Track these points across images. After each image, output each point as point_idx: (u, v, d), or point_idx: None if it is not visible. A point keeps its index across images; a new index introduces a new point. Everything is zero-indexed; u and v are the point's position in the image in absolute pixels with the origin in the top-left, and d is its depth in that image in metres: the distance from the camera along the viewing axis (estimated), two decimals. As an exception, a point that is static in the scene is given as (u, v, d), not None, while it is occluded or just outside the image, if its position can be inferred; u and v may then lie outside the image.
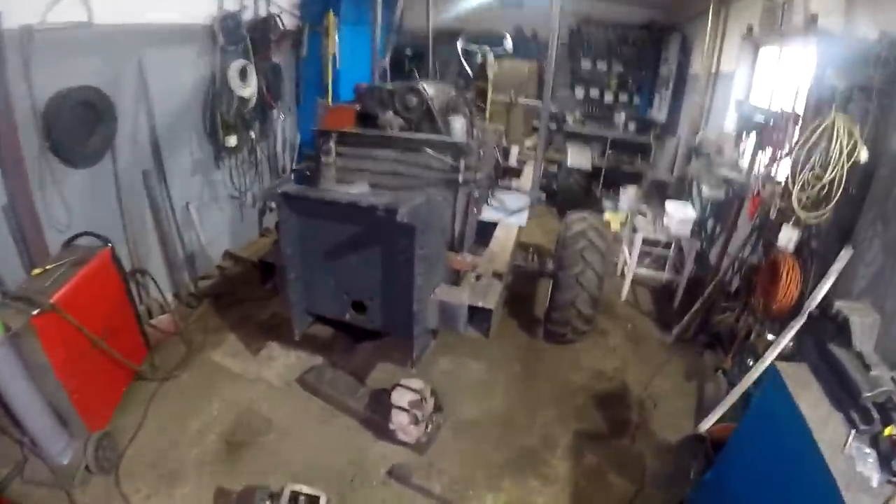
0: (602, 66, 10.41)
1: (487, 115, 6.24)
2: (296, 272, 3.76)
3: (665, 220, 5.96)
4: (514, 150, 6.31)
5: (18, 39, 3.60)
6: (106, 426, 3.79)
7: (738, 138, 5.47)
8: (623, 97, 10.52)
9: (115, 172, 4.74)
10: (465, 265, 3.92)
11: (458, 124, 3.87)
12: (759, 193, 4.72)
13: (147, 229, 5.38)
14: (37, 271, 3.58)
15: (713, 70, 7.29)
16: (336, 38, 7.17)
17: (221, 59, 5.82)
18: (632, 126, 10.20)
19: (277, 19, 6.45)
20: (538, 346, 5.33)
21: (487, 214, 4.46)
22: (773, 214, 4.47)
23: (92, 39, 4.18)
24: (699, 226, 6.23)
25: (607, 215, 8.52)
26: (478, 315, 3.60)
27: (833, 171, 3.49)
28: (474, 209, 3.96)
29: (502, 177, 5.86)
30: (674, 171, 8.28)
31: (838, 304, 3.11)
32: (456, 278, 3.93)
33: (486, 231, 4.52)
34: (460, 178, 3.64)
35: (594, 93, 10.61)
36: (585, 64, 10.45)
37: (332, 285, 3.75)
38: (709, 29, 7.19)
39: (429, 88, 4.04)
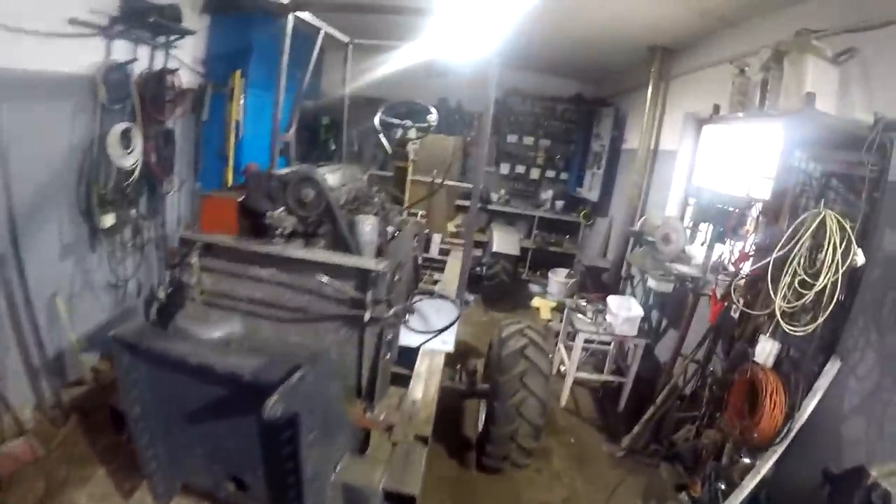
0: (528, 140, 10.20)
1: (406, 199, 5.61)
2: (150, 435, 2.66)
3: (608, 317, 5.49)
4: (437, 239, 5.71)
5: None
6: None
7: (694, 227, 5.12)
8: (550, 173, 10.32)
9: None
10: (376, 425, 2.97)
11: (368, 227, 3.16)
12: (721, 298, 4.32)
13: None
14: None
15: (651, 147, 7.07)
16: (241, 101, 6.41)
17: (103, 119, 4.92)
18: (559, 204, 9.97)
19: (174, 75, 5.62)
20: (470, 478, 4.54)
21: (406, 339, 3.65)
22: (735, 313, 4.14)
23: None
24: (644, 320, 5.80)
25: (536, 301, 8.06)
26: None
27: (825, 277, 3.12)
28: (387, 353, 3.01)
29: (422, 273, 5.17)
30: (606, 253, 8.00)
31: (876, 474, 2.58)
32: (365, 442, 3.04)
33: (405, 355, 3.68)
34: (366, 316, 2.68)
35: (520, 169, 10.32)
36: (511, 138, 10.21)
37: (200, 455, 2.68)
38: (648, 104, 6.99)
39: (331, 177, 3.33)
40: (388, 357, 2.96)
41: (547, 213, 9.84)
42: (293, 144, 5.61)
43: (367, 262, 2.76)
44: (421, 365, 3.54)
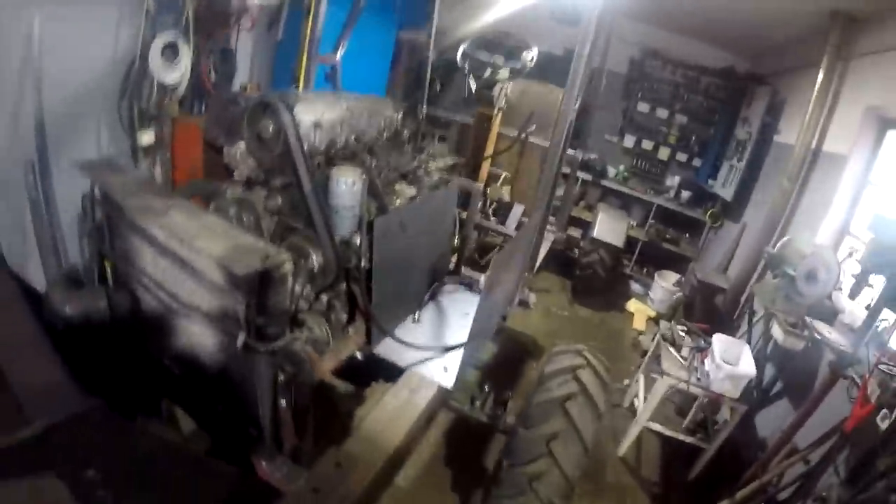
0: (662, 113, 8.62)
1: (490, 153, 4.62)
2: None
3: (707, 363, 4.20)
4: (518, 211, 4.67)
5: None
6: None
7: (862, 277, 3.66)
8: (682, 156, 8.68)
9: None
10: (283, 484, 1.96)
11: (343, 185, 2.30)
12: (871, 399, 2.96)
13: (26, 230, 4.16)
14: None
15: (813, 146, 5.37)
16: (322, 19, 5.67)
17: (151, 31, 4.46)
18: (686, 194, 8.39)
19: (237, -12, 5.00)
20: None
21: (383, 350, 2.70)
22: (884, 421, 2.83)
23: None
24: (754, 381, 4.37)
25: (633, 304, 6.78)
26: None
27: None
28: (288, 397, 2.00)
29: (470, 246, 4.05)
30: (728, 268, 6.51)
31: None
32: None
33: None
34: (239, 339, 1.72)
35: (647, 144, 8.77)
36: (642, 107, 8.68)
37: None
38: (816, 89, 5.25)
39: (314, 107, 2.44)
40: (303, 392, 2.06)
41: (669, 203, 8.31)
42: (339, 70, 4.89)
43: (236, 256, 1.67)
44: (393, 397, 2.45)
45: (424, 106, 5.51)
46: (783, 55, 6.95)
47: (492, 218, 4.55)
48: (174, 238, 1.82)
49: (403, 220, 2.54)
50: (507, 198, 4.76)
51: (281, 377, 1.88)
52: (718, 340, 4.26)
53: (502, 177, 4.85)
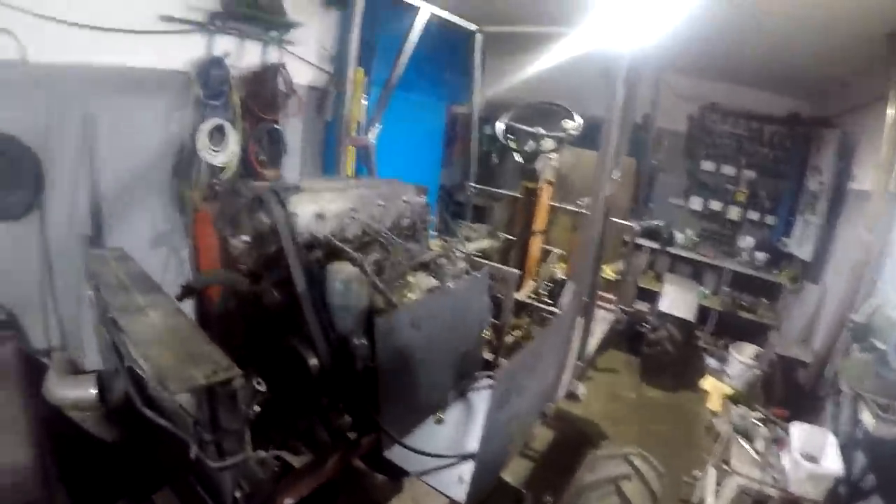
0: (728, 170, 7.95)
1: (537, 228, 4.27)
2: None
3: (785, 459, 3.56)
4: (571, 290, 4.23)
5: None
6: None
7: None
8: (753, 215, 7.91)
9: (42, 232, 3.97)
10: None
11: (338, 283, 2.04)
12: None
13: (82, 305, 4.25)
14: None
15: (892, 189, 4.56)
16: (364, 101, 5.63)
17: (200, 115, 4.63)
18: (760, 256, 7.57)
19: (282, 71, 5.04)
20: None
21: (396, 454, 2.36)
22: None
23: (22, 80, 3.59)
24: (841, 480, 3.69)
25: (708, 382, 6.05)
26: None
27: None
28: None
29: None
30: (811, 337, 5.75)
31: None
32: None
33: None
34: (192, 450, 1.55)
35: (715, 205, 8.08)
36: (706, 165, 8.05)
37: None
38: (888, 124, 4.50)
39: (318, 197, 2.24)
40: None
41: (743, 267, 7.53)
42: (372, 152, 4.72)
43: (180, 370, 1.47)
44: None
45: (471, 182, 5.31)
46: (847, 92, 6.22)
47: (546, 299, 4.14)
48: (132, 342, 1.67)
49: (415, 317, 2.22)
50: (560, 275, 4.34)
51: (237, 493, 1.60)
52: (798, 430, 3.63)
53: (554, 253, 4.46)
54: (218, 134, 4.64)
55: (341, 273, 2.03)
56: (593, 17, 4.16)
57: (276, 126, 5.20)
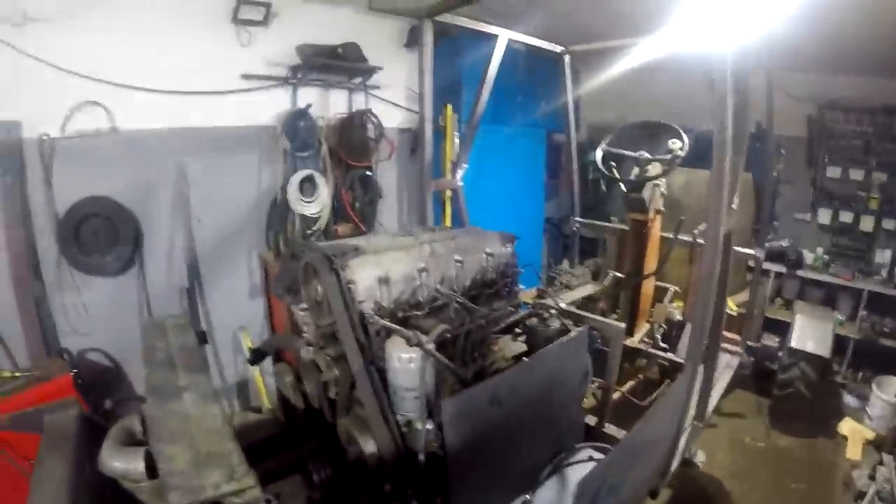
0: (857, 174, 6.71)
1: (648, 267, 3.74)
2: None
3: None
4: (688, 336, 3.62)
5: (38, 148, 3.50)
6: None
7: None
8: (889, 224, 6.58)
9: (143, 286, 4.15)
10: None
11: (397, 361, 1.74)
12: None
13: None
14: (6, 374, 3.37)
15: None
16: (456, 139, 5.38)
17: (290, 167, 4.60)
18: None
19: (369, 116, 4.91)
20: None
21: None
22: None
23: (117, 147, 3.81)
24: None
25: (846, 425, 5.06)
26: None
27: None
28: None
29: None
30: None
31: None
32: None
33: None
34: None
35: (845, 217, 6.86)
36: (832, 172, 6.86)
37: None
38: None
39: (368, 259, 1.95)
40: None
41: (882, 287, 6.26)
42: (460, 194, 4.38)
43: (189, 477, 1.35)
44: None
45: (577, 216, 4.85)
46: None
47: (661, 343, 3.58)
48: (155, 435, 1.54)
49: (496, 393, 1.84)
50: (678, 316, 3.77)
51: None
52: None
53: (670, 292, 3.89)
54: (309, 185, 4.57)
55: (401, 350, 1.71)
56: (686, 19, 3.64)
57: (367, 172, 5.07)
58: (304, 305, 2.01)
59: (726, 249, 2.54)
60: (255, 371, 4.77)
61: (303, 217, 4.61)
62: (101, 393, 3.77)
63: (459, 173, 4.15)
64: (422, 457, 1.74)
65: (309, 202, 4.56)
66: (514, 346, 2.12)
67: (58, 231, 3.65)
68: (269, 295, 2.80)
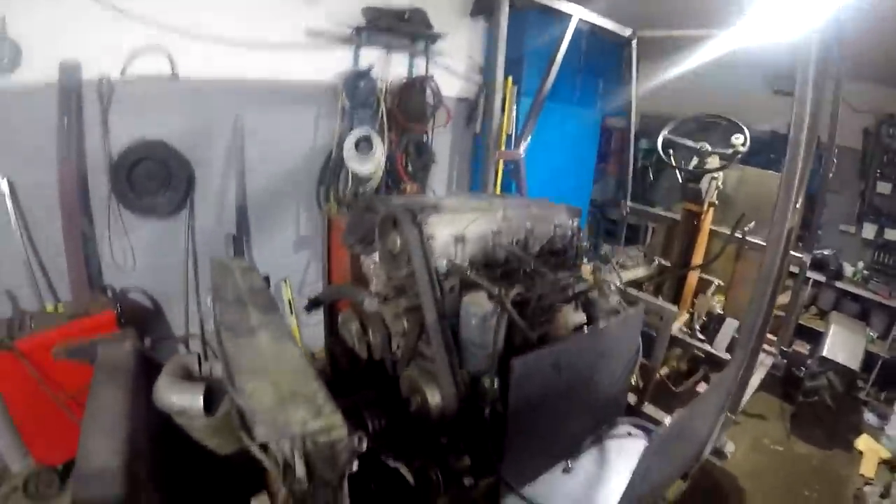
0: None
1: (696, 258, 3.74)
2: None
3: None
4: (730, 328, 3.63)
5: (97, 90, 3.51)
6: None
7: None
8: None
9: (190, 230, 4.22)
10: None
11: (473, 318, 1.76)
12: None
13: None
14: (49, 308, 3.51)
15: None
16: (514, 112, 5.36)
17: (347, 125, 4.65)
18: None
19: (430, 82, 4.91)
20: None
21: None
22: None
23: (176, 94, 3.83)
24: None
25: (863, 442, 5.04)
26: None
27: None
28: None
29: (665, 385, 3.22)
30: None
31: None
32: None
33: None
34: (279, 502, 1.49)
35: (891, 234, 6.70)
36: (882, 187, 6.70)
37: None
38: None
39: (446, 216, 1.98)
40: None
41: None
42: (522, 167, 4.39)
43: (274, 412, 1.30)
44: None
45: (628, 200, 4.84)
46: None
47: (699, 335, 3.60)
48: (235, 369, 1.50)
49: (558, 359, 1.89)
50: (718, 310, 3.77)
51: None
52: None
53: (714, 285, 3.88)
54: (365, 144, 4.59)
55: (478, 307, 1.75)
56: (760, 16, 3.57)
57: (423, 137, 5.10)
58: (377, 257, 2.06)
59: (786, 248, 2.53)
60: (292, 322, 4.88)
61: (355, 175, 4.66)
62: (140, 332, 3.86)
63: (523, 145, 4.16)
64: (487, 411, 1.79)
65: (364, 161, 4.60)
66: (575, 316, 2.15)
67: (111, 171, 3.70)
68: (329, 246, 2.85)
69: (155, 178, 3.90)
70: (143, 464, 1.62)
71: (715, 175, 3.67)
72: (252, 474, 2.03)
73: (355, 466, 1.30)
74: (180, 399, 1.81)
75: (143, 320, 4.09)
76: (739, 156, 3.54)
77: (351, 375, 2.49)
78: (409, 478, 1.82)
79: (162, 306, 4.25)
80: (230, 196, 4.40)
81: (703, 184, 3.63)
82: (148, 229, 4.02)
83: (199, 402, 1.76)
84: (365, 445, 1.28)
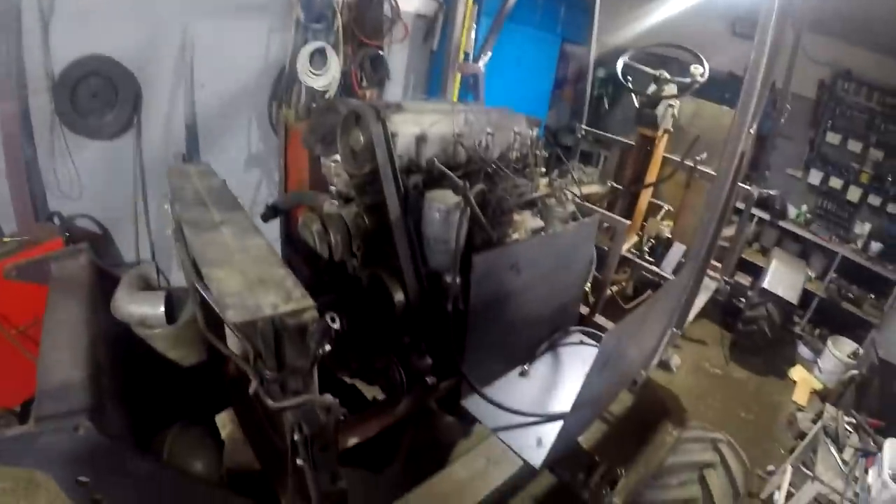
0: (855, 146, 6.93)
1: (649, 180, 3.86)
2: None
3: (872, 476, 3.06)
4: (678, 251, 3.80)
5: (36, 2, 3.28)
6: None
7: None
8: (875, 200, 6.88)
9: (138, 152, 4.04)
10: None
11: (436, 213, 1.79)
12: None
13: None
14: None
15: None
16: (473, 31, 5.25)
17: (301, 39, 4.47)
18: (876, 246, 6.62)
19: (388, -2, 4.74)
20: None
21: (474, 405, 2.13)
22: None
23: (120, 4, 3.60)
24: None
25: (797, 372, 5.46)
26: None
27: None
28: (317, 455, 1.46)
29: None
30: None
31: None
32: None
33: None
34: (250, 389, 1.32)
35: (835, 182, 7.11)
36: (832, 138, 7.04)
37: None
38: None
39: (409, 115, 1.95)
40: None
41: (855, 255, 6.59)
42: (481, 81, 4.40)
43: (245, 297, 1.29)
44: (464, 467, 1.93)
45: (583, 124, 4.89)
46: None
47: (647, 256, 3.77)
48: (200, 261, 1.47)
49: (517, 260, 1.94)
50: (667, 234, 3.94)
51: (296, 436, 1.40)
52: (891, 448, 3.11)
53: (663, 210, 4.02)
54: (319, 57, 4.45)
55: (441, 201, 1.77)
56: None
57: (379, 52, 4.96)
58: (337, 157, 2.04)
59: (735, 177, 2.63)
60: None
61: (309, 90, 4.52)
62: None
63: (483, 60, 4.13)
64: (449, 307, 1.84)
65: (318, 75, 4.45)
66: (532, 221, 2.20)
67: (53, 90, 3.50)
68: (286, 156, 2.80)
69: (100, 96, 3.71)
70: (107, 378, 1.60)
71: (672, 103, 3.75)
72: (217, 392, 2.05)
73: (328, 347, 1.31)
74: (140, 308, 1.79)
75: (92, 248, 3.94)
76: (697, 86, 3.60)
77: (309, 285, 2.50)
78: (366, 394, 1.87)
79: (111, 232, 4.12)
80: (179, 114, 4.21)
81: (660, 110, 3.71)
82: (93, 151, 3.82)
83: (160, 309, 1.74)
84: (338, 324, 1.30)
